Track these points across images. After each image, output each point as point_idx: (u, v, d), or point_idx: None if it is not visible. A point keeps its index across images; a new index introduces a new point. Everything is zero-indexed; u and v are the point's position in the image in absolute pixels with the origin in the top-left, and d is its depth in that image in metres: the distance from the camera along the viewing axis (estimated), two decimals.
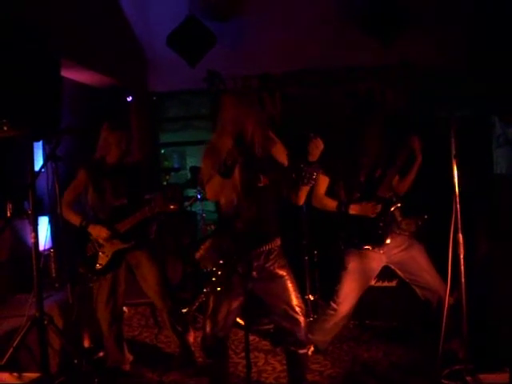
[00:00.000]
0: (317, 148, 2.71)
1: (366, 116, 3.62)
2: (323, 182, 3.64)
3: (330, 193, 3.68)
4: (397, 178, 3.68)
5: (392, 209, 3.60)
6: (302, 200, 2.97)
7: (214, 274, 2.96)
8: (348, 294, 3.69)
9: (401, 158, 3.60)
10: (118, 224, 3.63)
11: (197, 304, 4.76)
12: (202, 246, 3.03)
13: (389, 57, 5.42)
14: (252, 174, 2.86)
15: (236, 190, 2.90)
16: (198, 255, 3.04)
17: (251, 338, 4.31)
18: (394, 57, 5.34)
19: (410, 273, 3.64)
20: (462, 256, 3.18)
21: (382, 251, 3.61)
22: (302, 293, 4.48)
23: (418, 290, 3.66)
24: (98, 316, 3.77)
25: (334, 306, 3.72)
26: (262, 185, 2.90)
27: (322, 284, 4.68)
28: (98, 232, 3.61)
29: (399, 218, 3.66)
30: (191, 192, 6.30)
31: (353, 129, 3.68)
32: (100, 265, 3.66)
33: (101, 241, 3.64)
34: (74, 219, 3.67)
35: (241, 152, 2.76)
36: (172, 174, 6.01)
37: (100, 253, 3.66)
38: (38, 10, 3.89)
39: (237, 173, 2.87)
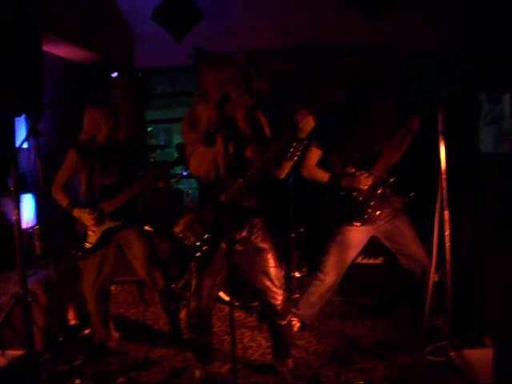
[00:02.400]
0: (308, 125, 2.68)
1: (374, 95, 3.59)
2: (315, 155, 3.62)
3: (323, 165, 3.67)
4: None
5: (383, 189, 3.61)
6: (284, 174, 2.96)
7: (199, 248, 2.95)
8: (335, 265, 3.72)
9: (399, 137, 3.58)
10: (106, 203, 3.61)
11: (183, 281, 4.77)
12: (181, 220, 3.00)
13: (377, 35, 5.36)
14: (235, 145, 2.82)
15: (219, 163, 2.88)
16: (177, 229, 3.01)
17: (237, 314, 4.33)
18: (382, 35, 5.29)
19: (395, 242, 3.67)
20: (447, 233, 3.19)
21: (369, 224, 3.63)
22: (287, 270, 4.54)
23: (402, 260, 3.69)
24: (84, 294, 3.75)
25: (320, 276, 3.75)
26: (245, 157, 2.88)
27: (308, 261, 4.69)
28: (83, 218, 3.60)
29: (389, 195, 3.67)
30: (177, 169, 6.27)
31: (352, 105, 3.65)
32: (90, 243, 3.64)
33: (87, 223, 3.62)
34: (62, 201, 3.65)
35: (224, 122, 2.74)
36: (158, 151, 5.97)
37: (90, 232, 3.63)
38: None
39: (219, 144, 2.85)
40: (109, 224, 3.64)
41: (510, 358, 2.60)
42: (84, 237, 3.64)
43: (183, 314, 3.99)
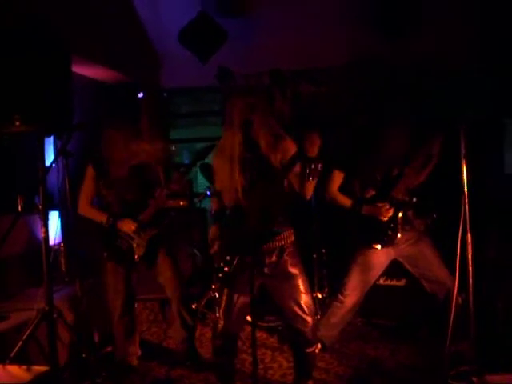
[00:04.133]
0: (313, 144, 2.69)
1: (390, 117, 3.61)
2: (338, 178, 3.65)
3: (344, 188, 3.68)
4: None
5: (405, 211, 3.60)
6: (308, 195, 2.93)
7: (221, 270, 2.98)
8: (356, 287, 3.71)
9: (420, 159, 3.57)
10: (138, 216, 3.67)
11: (205, 300, 4.78)
12: (216, 242, 3.05)
13: (402, 55, 5.37)
14: (257, 170, 2.86)
15: (240, 188, 2.93)
16: (211, 251, 3.07)
17: (258, 334, 4.33)
18: (408, 54, 5.30)
19: (418, 266, 3.65)
20: (470, 256, 3.17)
21: (391, 246, 3.61)
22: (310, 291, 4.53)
23: (425, 284, 3.67)
24: (109, 307, 3.79)
25: (341, 298, 3.75)
26: (267, 182, 2.91)
27: (329, 282, 4.68)
28: (127, 227, 3.65)
29: (411, 217, 3.66)
30: (201, 188, 6.32)
31: (372, 128, 3.67)
32: (138, 256, 3.69)
33: (131, 234, 3.67)
34: (99, 217, 3.69)
35: (248, 147, 2.79)
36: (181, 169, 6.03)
37: (134, 245, 3.69)
38: (49, 5, 3.90)
39: (239, 170, 2.90)
40: (151, 232, 3.69)
41: None
42: (130, 251, 3.69)
43: (206, 333, 4.02)
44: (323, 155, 2.79)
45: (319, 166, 2.78)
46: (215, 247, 3.05)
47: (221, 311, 3.12)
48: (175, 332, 3.96)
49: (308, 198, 2.97)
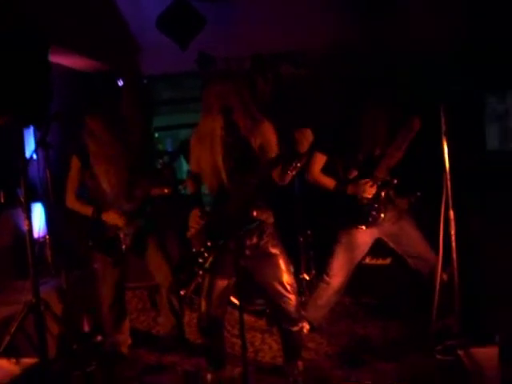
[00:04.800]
0: (306, 139, 2.69)
1: (369, 101, 3.61)
2: (320, 160, 3.65)
3: (327, 170, 3.70)
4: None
5: (387, 191, 3.62)
6: (286, 181, 2.96)
7: (201, 254, 3.00)
8: (341, 267, 3.75)
9: (401, 139, 3.58)
10: (123, 206, 3.65)
11: (193, 286, 4.79)
12: (194, 225, 3.06)
13: (379, 36, 5.37)
14: (236, 155, 2.86)
15: (222, 173, 2.93)
16: (189, 234, 3.07)
17: (248, 318, 4.36)
18: (384, 35, 5.30)
19: (401, 243, 3.69)
20: (453, 232, 3.21)
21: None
22: (297, 272, 4.56)
23: (409, 260, 3.71)
24: (100, 296, 3.80)
25: (327, 279, 3.79)
26: (246, 167, 2.92)
27: (316, 263, 4.71)
28: (112, 219, 3.63)
29: (393, 196, 3.68)
30: (185, 175, 6.31)
31: (352, 110, 3.68)
32: (126, 246, 3.68)
33: (119, 225, 3.65)
34: (85, 210, 3.68)
35: (229, 132, 2.79)
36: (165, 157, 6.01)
37: (121, 235, 3.68)
38: None
39: (220, 154, 2.90)
40: (137, 222, 3.69)
41: None
42: (118, 241, 3.68)
43: (194, 319, 4.04)
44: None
45: (305, 158, 2.80)
46: (192, 230, 3.05)
47: (203, 294, 3.16)
48: (165, 319, 3.97)
49: (285, 183, 2.99)
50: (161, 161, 5.12)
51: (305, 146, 2.69)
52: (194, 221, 3.06)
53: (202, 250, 3.02)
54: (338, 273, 3.75)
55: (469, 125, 4.96)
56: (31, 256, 3.23)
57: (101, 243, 3.70)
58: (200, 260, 3.02)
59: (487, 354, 2.95)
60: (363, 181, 3.57)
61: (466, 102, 4.86)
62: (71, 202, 3.71)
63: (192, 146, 3.15)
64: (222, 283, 3.10)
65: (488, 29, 3.85)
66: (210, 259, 3.00)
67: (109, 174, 3.60)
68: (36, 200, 4.23)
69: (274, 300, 3.15)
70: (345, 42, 5.48)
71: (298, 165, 2.79)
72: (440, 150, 3.30)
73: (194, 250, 3.06)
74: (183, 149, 3.40)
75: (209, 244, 3.00)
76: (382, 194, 3.59)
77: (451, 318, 3.48)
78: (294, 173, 2.85)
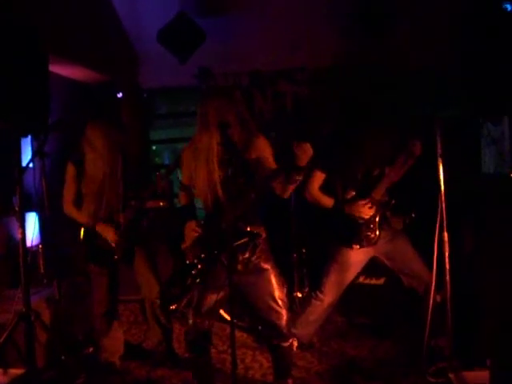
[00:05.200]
0: (305, 152, 2.71)
1: (365, 119, 3.64)
2: (318, 178, 3.66)
3: (325, 188, 3.70)
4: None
5: (383, 212, 3.63)
6: (286, 195, 2.98)
7: (195, 266, 3.00)
8: (334, 285, 3.74)
9: (401, 161, 3.59)
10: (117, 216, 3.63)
11: (185, 300, 4.77)
12: (190, 237, 3.06)
13: (379, 55, 5.42)
14: (232, 170, 2.87)
15: (217, 188, 2.94)
16: (184, 246, 3.07)
17: (239, 334, 4.33)
18: (385, 55, 5.35)
19: (396, 261, 3.69)
20: (447, 254, 3.21)
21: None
22: (290, 290, 4.55)
23: (404, 278, 3.70)
24: (93, 308, 3.76)
25: (320, 296, 3.78)
26: (242, 181, 2.93)
27: (310, 281, 4.70)
28: (106, 232, 3.62)
29: (389, 216, 3.70)
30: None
31: (351, 128, 3.70)
32: (117, 257, 3.66)
33: (110, 240, 3.64)
34: (79, 217, 3.67)
35: (226, 148, 2.80)
36: (162, 170, 6.03)
37: (113, 245, 3.65)
38: (26, 4, 3.87)
39: (216, 170, 2.92)
40: (130, 233, 3.66)
41: (505, 380, 2.60)
42: (110, 251, 3.65)
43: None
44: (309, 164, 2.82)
45: (302, 175, 2.82)
46: (187, 242, 3.05)
47: (192, 306, 3.15)
48: (152, 333, 3.95)
49: (286, 197, 3.01)
50: (157, 173, 5.14)
51: (304, 159, 2.71)
52: (190, 232, 3.06)
53: (196, 261, 3.01)
54: (330, 290, 3.75)
55: (465, 148, 4.99)
56: (23, 265, 3.22)
57: (94, 253, 3.69)
58: (193, 272, 3.02)
59: (478, 377, 2.94)
60: (361, 202, 3.57)
61: (463, 125, 4.90)
62: (69, 209, 3.69)
63: (184, 160, 3.15)
64: (212, 297, 3.08)
65: (486, 55, 3.88)
66: (203, 271, 3.00)
67: (103, 184, 3.60)
68: (31, 209, 4.22)
69: (265, 315, 3.13)
70: (344, 60, 5.53)
71: (298, 178, 2.81)
72: (436, 172, 3.31)
73: (187, 261, 3.05)
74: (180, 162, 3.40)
75: (202, 256, 3.00)
76: (378, 215, 3.60)
77: (443, 340, 3.47)
78: (294, 186, 2.87)
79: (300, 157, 2.69)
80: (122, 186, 3.64)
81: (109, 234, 3.61)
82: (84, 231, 3.68)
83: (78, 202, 3.70)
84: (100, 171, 3.59)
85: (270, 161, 2.99)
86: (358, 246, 3.60)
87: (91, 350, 3.97)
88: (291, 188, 2.91)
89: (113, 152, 3.61)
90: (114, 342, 3.83)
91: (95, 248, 3.67)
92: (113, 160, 3.61)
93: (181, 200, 3.31)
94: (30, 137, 3.98)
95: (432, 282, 3.34)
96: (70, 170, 3.67)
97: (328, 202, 3.66)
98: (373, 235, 3.59)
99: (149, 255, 3.85)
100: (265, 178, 2.88)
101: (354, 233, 3.62)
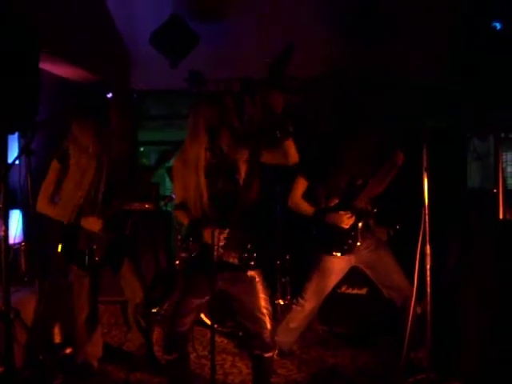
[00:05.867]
0: (277, 99, 2.78)
1: (349, 127, 3.68)
2: (301, 186, 3.68)
3: (309, 196, 3.72)
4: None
5: (366, 220, 3.66)
6: (293, 156, 2.95)
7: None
8: (316, 292, 3.76)
9: (384, 171, 3.65)
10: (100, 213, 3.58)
11: (167, 304, 4.75)
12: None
13: (371, 63, 5.46)
14: (220, 177, 2.88)
15: (206, 195, 2.94)
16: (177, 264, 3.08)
17: (219, 339, 4.33)
18: (375, 63, 5.40)
19: (377, 272, 3.71)
20: (428, 267, 3.24)
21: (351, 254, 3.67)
22: (272, 297, 4.55)
23: (384, 290, 3.72)
24: (75, 309, 3.72)
25: (301, 302, 3.80)
26: (229, 188, 2.93)
27: (292, 289, 4.70)
28: (91, 225, 3.55)
29: (373, 225, 3.72)
30: (169, 192, 6.31)
31: (336, 137, 3.73)
32: (99, 258, 3.61)
33: (95, 233, 3.58)
34: (56, 215, 3.59)
35: (213, 154, 2.81)
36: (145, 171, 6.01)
37: (94, 246, 3.60)
38: (18, 2, 3.85)
39: (203, 178, 2.92)
40: (112, 234, 3.63)
41: None
42: (91, 252, 3.60)
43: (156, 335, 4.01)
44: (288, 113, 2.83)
45: (289, 123, 2.83)
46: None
47: (171, 310, 3.16)
48: (134, 336, 3.94)
49: (295, 160, 2.98)
50: (144, 161, 5.07)
51: (278, 106, 2.77)
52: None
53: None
54: (312, 297, 3.76)
55: (452, 161, 5.03)
56: (4, 262, 3.19)
57: (73, 255, 3.65)
58: (176, 262, 3.03)
59: None
60: (342, 212, 3.60)
61: (450, 139, 4.95)
62: (43, 206, 3.58)
63: (175, 171, 3.16)
64: (193, 302, 3.09)
65: (473, 71, 3.94)
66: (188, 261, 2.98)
67: (84, 184, 3.57)
68: (15, 206, 4.20)
69: (249, 324, 3.11)
70: (336, 69, 5.56)
71: (288, 130, 2.82)
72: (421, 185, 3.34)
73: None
74: (163, 158, 3.37)
75: (186, 245, 3.02)
76: (360, 223, 3.62)
77: (422, 352, 3.49)
78: (289, 138, 2.87)
79: (274, 104, 2.72)
80: (103, 187, 3.60)
81: (94, 225, 3.54)
82: (63, 233, 3.63)
83: (54, 200, 3.63)
84: (85, 171, 3.56)
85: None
86: (338, 254, 3.62)
87: (69, 350, 3.94)
88: (291, 144, 2.91)
89: (99, 152, 3.58)
90: (94, 345, 3.80)
91: (76, 250, 3.64)
92: (99, 160, 3.58)
93: (182, 220, 3.24)
94: (17, 134, 3.95)
95: (413, 295, 3.36)
96: (54, 164, 3.60)
97: (308, 209, 3.69)
98: (354, 243, 3.61)
99: (133, 258, 3.83)
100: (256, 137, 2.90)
101: (335, 240, 3.64)
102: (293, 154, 2.95)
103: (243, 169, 3.01)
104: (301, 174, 3.64)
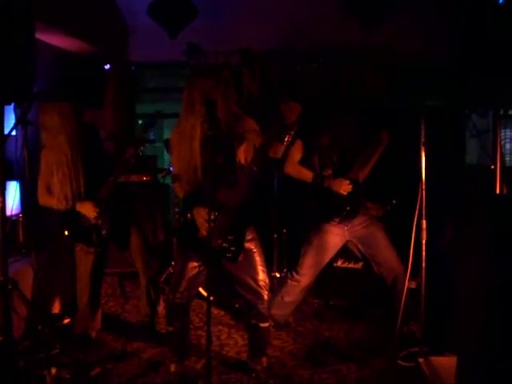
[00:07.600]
0: (292, 111, 2.73)
1: (334, 105, 3.69)
2: (299, 150, 3.71)
3: (303, 163, 3.75)
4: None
5: (362, 192, 3.68)
6: (279, 154, 2.97)
7: (227, 249, 3.02)
8: (310, 267, 3.81)
9: (371, 149, 3.68)
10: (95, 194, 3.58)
11: (164, 276, 4.80)
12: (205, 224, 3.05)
13: (372, 40, 5.42)
14: (215, 150, 2.87)
15: (200, 167, 2.94)
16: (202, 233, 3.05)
17: (215, 311, 4.37)
18: (377, 41, 5.36)
19: (369, 248, 3.75)
20: (424, 241, 3.26)
21: (346, 227, 3.71)
22: (268, 270, 4.58)
23: (375, 266, 3.77)
24: (80, 287, 3.74)
25: (296, 276, 3.84)
26: (221, 161, 2.92)
27: (288, 262, 4.73)
28: (87, 211, 3.56)
29: (367, 203, 3.75)
30: (165, 164, 6.29)
31: (324, 114, 3.75)
32: (106, 232, 3.63)
33: (90, 218, 3.58)
34: (57, 205, 3.57)
35: (210, 126, 2.80)
36: (147, 145, 6.00)
37: (100, 222, 3.60)
38: None
39: (199, 148, 2.91)
40: (113, 208, 3.64)
41: (472, 366, 2.66)
42: (96, 227, 3.61)
43: (161, 308, 4.06)
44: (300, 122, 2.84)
45: (293, 131, 2.84)
46: (204, 231, 2.96)
47: (173, 279, 3.21)
48: (141, 306, 4.04)
49: (279, 156, 2.99)
50: (142, 148, 5.11)
51: (291, 117, 2.75)
52: (202, 222, 2.98)
53: (225, 245, 3.00)
54: (307, 272, 3.80)
55: (450, 138, 5.03)
56: (1, 233, 3.19)
57: (79, 233, 3.64)
58: (228, 255, 3.01)
59: (446, 363, 3.00)
60: (341, 178, 3.62)
61: (449, 115, 4.93)
62: (44, 199, 3.60)
63: (172, 143, 3.15)
64: (193, 268, 3.10)
65: (477, 48, 3.90)
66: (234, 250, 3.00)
67: (71, 168, 3.53)
68: (12, 177, 4.19)
69: (247, 295, 3.16)
70: (333, 43, 5.53)
71: (290, 134, 2.83)
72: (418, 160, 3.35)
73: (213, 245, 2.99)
74: (148, 124, 3.37)
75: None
76: (357, 192, 3.64)
77: (416, 325, 3.54)
78: (287, 142, 2.87)
79: (288, 115, 2.72)
80: (81, 177, 3.55)
81: (88, 211, 3.55)
82: (65, 217, 3.61)
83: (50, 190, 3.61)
84: (63, 156, 3.50)
85: (255, 138, 2.98)
86: (337, 220, 3.64)
87: (67, 321, 3.98)
88: (282, 148, 2.91)
89: (73, 135, 3.51)
90: (93, 319, 3.84)
91: (80, 228, 3.63)
92: (74, 144, 3.51)
93: (178, 193, 3.26)
94: (13, 104, 3.93)
95: (403, 273, 3.41)
96: (43, 156, 3.56)
97: (308, 174, 3.71)
98: (352, 210, 3.64)
99: (139, 229, 3.87)
100: (258, 150, 2.87)
101: (334, 206, 3.65)
102: (280, 153, 2.96)
103: (242, 148, 3.00)
104: (298, 140, 3.65)
